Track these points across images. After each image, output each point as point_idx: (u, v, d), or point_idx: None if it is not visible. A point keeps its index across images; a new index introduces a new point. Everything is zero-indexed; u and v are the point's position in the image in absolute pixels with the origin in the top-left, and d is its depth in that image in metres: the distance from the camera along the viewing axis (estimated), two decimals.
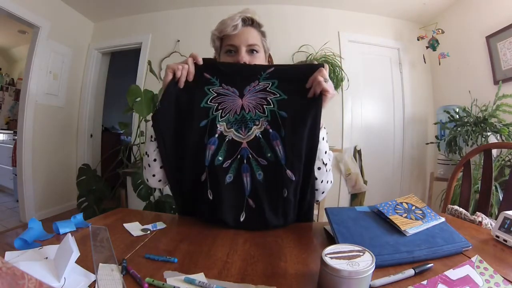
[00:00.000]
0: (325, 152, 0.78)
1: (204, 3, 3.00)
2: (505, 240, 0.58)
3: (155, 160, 0.78)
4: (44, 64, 2.77)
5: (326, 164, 0.78)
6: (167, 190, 2.19)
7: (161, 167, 0.79)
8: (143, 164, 0.83)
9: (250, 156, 0.74)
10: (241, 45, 0.83)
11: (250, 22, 0.86)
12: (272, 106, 0.75)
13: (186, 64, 0.77)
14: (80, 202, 2.12)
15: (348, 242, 0.49)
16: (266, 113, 0.75)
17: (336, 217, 0.63)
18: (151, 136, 0.79)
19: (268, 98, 0.75)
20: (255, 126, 0.75)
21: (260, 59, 0.85)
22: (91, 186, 2.17)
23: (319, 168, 0.77)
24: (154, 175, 0.80)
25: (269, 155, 0.73)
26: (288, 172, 0.71)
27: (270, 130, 0.74)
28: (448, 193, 1.14)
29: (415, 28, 2.96)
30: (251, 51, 0.84)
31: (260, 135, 0.74)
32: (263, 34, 0.89)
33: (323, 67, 0.73)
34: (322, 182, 0.80)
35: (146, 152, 0.80)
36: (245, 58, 0.82)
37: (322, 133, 0.78)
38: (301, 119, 0.73)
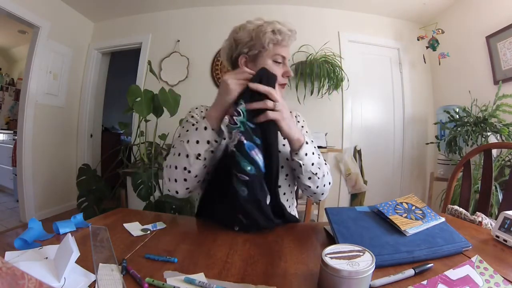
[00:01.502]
0: (312, 164, 0.76)
1: (204, 3, 3.00)
2: (505, 240, 0.58)
3: (196, 176, 0.74)
4: (44, 64, 2.77)
5: (316, 173, 0.77)
6: (167, 190, 2.19)
7: (198, 181, 0.76)
8: (171, 176, 0.76)
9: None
10: (287, 57, 0.85)
11: (294, 35, 0.86)
12: (242, 116, 0.67)
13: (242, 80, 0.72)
14: (80, 202, 2.12)
15: (348, 242, 0.49)
16: (238, 124, 0.67)
17: (336, 217, 0.63)
18: (198, 155, 0.71)
19: (238, 108, 0.68)
20: (229, 140, 0.70)
21: None
22: (91, 186, 2.17)
23: (309, 178, 0.77)
24: (187, 188, 0.76)
25: (248, 168, 0.65)
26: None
27: (244, 142, 0.65)
28: (448, 193, 1.14)
29: (415, 28, 2.96)
30: None
31: (235, 149, 0.66)
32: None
33: (275, 79, 0.73)
34: (318, 187, 0.79)
35: (184, 168, 0.72)
36: (291, 71, 0.85)
37: (308, 148, 0.76)
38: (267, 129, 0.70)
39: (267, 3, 2.96)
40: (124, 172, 2.26)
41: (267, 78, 0.71)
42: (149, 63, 2.33)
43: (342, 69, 2.71)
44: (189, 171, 0.73)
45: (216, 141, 0.73)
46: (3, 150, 3.68)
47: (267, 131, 0.69)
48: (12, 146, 3.40)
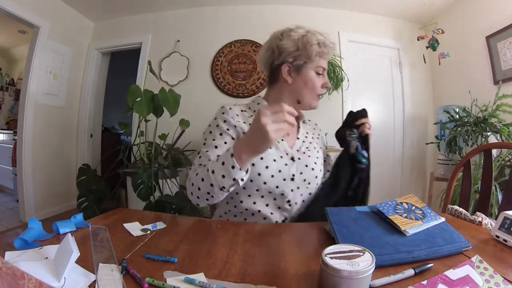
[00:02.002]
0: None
1: (204, 3, 3.00)
2: (505, 240, 0.58)
3: (229, 191, 0.72)
4: (44, 64, 2.77)
5: None
6: (167, 190, 2.19)
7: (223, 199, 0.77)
8: (193, 192, 0.74)
9: None
10: (326, 69, 0.89)
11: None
12: (355, 133, 0.96)
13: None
14: (80, 202, 2.12)
15: (348, 242, 0.49)
16: (355, 136, 0.96)
17: (336, 217, 0.63)
18: (222, 187, 0.69)
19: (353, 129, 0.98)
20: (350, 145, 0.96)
21: None
22: (91, 186, 2.17)
23: None
24: (210, 204, 0.79)
25: (363, 160, 0.92)
26: None
27: (359, 146, 0.94)
28: (448, 193, 1.14)
29: (415, 28, 2.96)
30: None
31: (355, 150, 0.94)
32: None
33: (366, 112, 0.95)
34: None
35: (208, 193, 0.71)
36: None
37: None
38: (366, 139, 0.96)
39: (267, 3, 2.96)
40: (124, 172, 2.26)
41: (361, 113, 0.95)
42: (149, 63, 2.33)
43: (342, 69, 2.71)
44: (212, 196, 0.72)
45: (242, 179, 0.69)
46: (3, 150, 3.68)
47: (365, 141, 0.93)
48: (12, 146, 3.40)
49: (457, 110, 2.25)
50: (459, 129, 2.07)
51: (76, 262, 0.44)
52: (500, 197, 1.67)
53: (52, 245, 0.53)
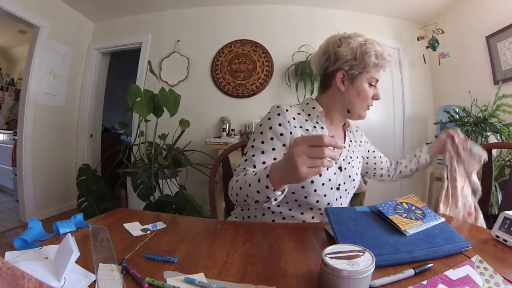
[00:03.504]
0: None
1: (204, 3, 3.00)
2: (505, 240, 0.58)
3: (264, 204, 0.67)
4: (44, 64, 2.77)
5: None
6: (167, 190, 2.19)
7: None
8: (233, 194, 0.72)
9: None
10: (378, 81, 0.86)
11: None
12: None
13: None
14: (80, 202, 2.12)
15: (348, 242, 0.49)
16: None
17: (336, 217, 0.63)
18: (257, 201, 0.65)
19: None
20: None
21: None
22: (91, 186, 2.17)
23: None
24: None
25: None
26: None
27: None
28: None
29: (415, 28, 2.96)
30: None
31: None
32: None
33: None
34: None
35: (245, 200, 0.68)
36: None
37: None
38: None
39: (267, 4, 2.96)
40: (124, 172, 2.26)
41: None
42: (149, 63, 2.34)
43: None
44: (248, 205, 0.71)
45: (276, 199, 0.64)
46: (3, 150, 3.68)
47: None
48: (12, 146, 3.40)
49: (457, 110, 2.25)
50: (459, 129, 2.07)
51: (76, 262, 0.44)
52: (500, 197, 1.67)
53: (52, 245, 0.53)
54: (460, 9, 2.64)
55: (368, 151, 1.06)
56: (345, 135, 0.93)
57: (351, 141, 0.95)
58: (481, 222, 0.84)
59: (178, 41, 3.05)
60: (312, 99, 0.91)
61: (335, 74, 0.84)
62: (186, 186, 2.34)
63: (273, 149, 0.77)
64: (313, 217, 0.83)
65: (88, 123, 3.34)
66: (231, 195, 0.74)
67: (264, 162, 0.75)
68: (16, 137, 3.02)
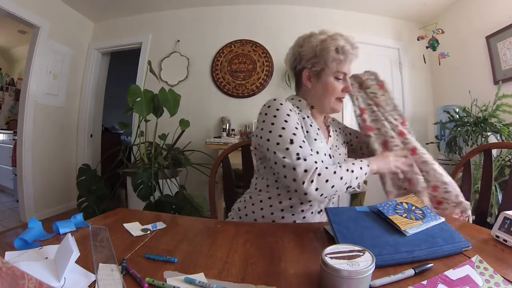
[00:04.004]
0: None
1: (204, 3, 3.00)
2: (505, 240, 0.58)
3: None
4: (44, 64, 2.77)
5: None
6: (167, 190, 2.19)
7: None
8: (331, 188, 0.73)
9: None
10: (348, 74, 0.89)
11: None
12: None
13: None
14: (80, 202, 2.12)
15: (348, 242, 0.49)
16: None
17: (336, 217, 0.63)
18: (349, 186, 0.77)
19: None
20: None
21: None
22: (91, 186, 2.17)
23: None
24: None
25: None
26: None
27: None
28: None
29: (415, 28, 2.96)
30: None
31: None
32: None
33: None
34: None
35: (348, 187, 0.76)
36: (350, 86, 0.90)
37: None
38: None
39: (267, 3, 2.96)
40: (124, 172, 2.26)
41: None
42: (149, 63, 2.33)
43: None
44: (338, 191, 0.75)
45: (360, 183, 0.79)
46: (3, 150, 3.68)
47: None
48: (12, 146, 3.40)
49: (457, 110, 2.25)
50: (459, 129, 2.07)
51: (76, 262, 0.44)
52: (500, 197, 1.67)
53: (52, 245, 0.53)
54: (460, 9, 2.64)
55: (346, 134, 1.09)
56: (328, 127, 0.98)
57: (334, 130, 1.01)
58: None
59: (178, 41, 3.05)
60: (296, 95, 0.96)
61: (302, 73, 0.90)
62: (186, 186, 2.34)
63: (305, 135, 0.81)
64: (311, 205, 0.84)
65: (88, 123, 3.34)
66: (318, 188, 0.71)
67: (311, 149, 0.78)
68: (16, 137, 3.02)
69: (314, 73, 0.88)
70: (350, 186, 0.76)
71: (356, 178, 0.76)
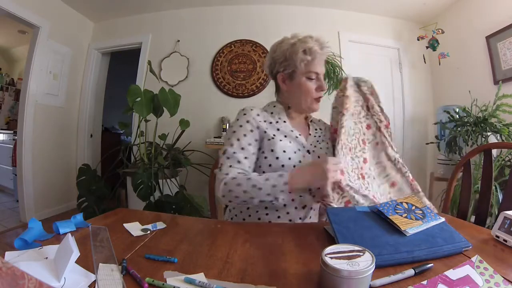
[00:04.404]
0: None
1: (204, 3, 3.00)
2: (505, 240, 0.58)
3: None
4: (44, 64, 2.77)
5: None
6: (167, 190, 2.19)
7: None
8: (227, 196, 0.81)
9: None
10: (321, 74, 0.92)
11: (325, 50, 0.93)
12: None
13: None
14: (80, 202, 2.12)
15: (348, 242, 0.49)
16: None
17: (336, 217, 0.63)
18: (261, 201, 0.80)
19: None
20: None
21: None
22: (91, 186, 2.17)
23: None
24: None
25: None
26: None
27: None
28: (448, 193, 1.14)
29: (415, 28, 2.96)
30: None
31: None
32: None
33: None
34: None
35: (244, 201, 0.79)
36: (325, 85, 0.93)
37: None
38: None
39: (267, 3, 2.96)
40: (124, 172, 2.26)
41: None
42: (149, 63, 2.33)
43: (342, 69, 2.70)
44: (246, 203, 0.80)
45: (283, 199, 0.78)
46: (3, 150, 3.67)
47: None
48: (12, 146, 3.40)
49: (457, 110, 2.24)
50: (459, 129, 2.07)
51: (76, 262, 0.44)
52: (500, 197, 1.67)
53: (52, 245, 0.53)
54: (460, 9, 2.64)
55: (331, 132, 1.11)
56: (309, 127, 1.02)
57: (316, 129, 1.04)
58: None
59: (178, 41, 3.05)
60: (273, 101, 1.04)
61: (277, 77, 0.96)
62: (186, 186, 2.34)
63: (249, 144, 0.87)
64: (296, 207, 0.86)
65: (88, 123, 3.34)
66: (224, 195, 0.80)
67: (246, 158, 0.85)
68: (16, 137, 3.02)
69: (287, 76, 0.94)
70: (263, 201, 0.78)
71: (268, 194, 0.77)
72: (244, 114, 0.92)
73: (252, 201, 0.78)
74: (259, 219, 0.86)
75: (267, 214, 0.86)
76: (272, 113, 0.97)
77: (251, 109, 0.93)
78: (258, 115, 0.92)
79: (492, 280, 0.43)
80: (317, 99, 0.94)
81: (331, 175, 0.73)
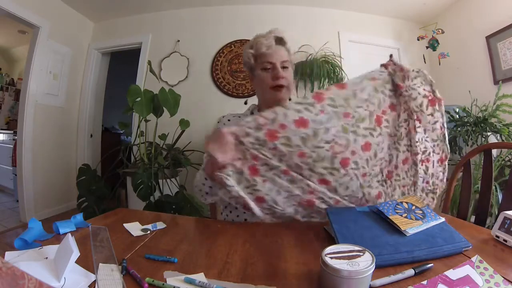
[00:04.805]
0: None
1: (204, 3, 3.00)
2: (505, 240, 0.58)
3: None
4: (44, 64, 2.77)
5: None
6: (167, 190, 2.19)
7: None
8: (199, 191, 0.86)
9: None
10: (277, 62, 0.93)
11: (280, 41, 0.96)
12: None
13: None
14: (80, 202, 2.12)
15: (348, 242, 0.49)
16: None
17: (336, 217, 0.63)
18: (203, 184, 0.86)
19: None
20: None
21: (290, 73, 0.97)
22: (91, 186, 2.17)
23: None
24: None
25: None
26: None
27: None
28: (448, 193, 1.14)
29: (415, 28, 2.96)
30: (284, 67, 0.94)
31: None
32: (289, 51, 0.98)
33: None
34: None
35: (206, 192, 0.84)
36: (281, 73, 0.92)
37: None
38: None
39: (267, 3, 2.96)
40: (124, 172, 2.26)
41: None
42: (149, 63, 2.33)
43: (342, 69, 2.70)
44: (203, 196, 0.86)
45: (211, 187, 0.81)
46: (3, 150, 3.67)
47: None
48: (12, 146, 3.40)
49: (457, 110, 2.24)
50: (459, 129, 2.07)
51: (76, 262, 0.44)
52: (500, 197, 1.67)
53: (52, 245, 0.53)
54: (460, 9, 2.64)
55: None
56: None
57: None
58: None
59: (178, 41, 3.05)
60: (254, 104, 1.09)
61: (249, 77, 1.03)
62: (186, 186, 2.34)
63: None
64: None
65: (88, 123, 3.34)
66: (197, 194, 0.88)
67: None
68: (16, 137, 3.01)
69: (251, 73, 1.01)
70: (201, 190, 0.84)
71: (203, 184, 0.83)
72: (218, 122, 1.02)
73: (201, 193, 0.84)
74: (245, 220, 0.85)
75: (244, 212, 0.83)
76: (239, 117, 1.01)
77: (223, 116, 1.03)
78: (229, 120, 1.00)
79: (492, 280, 0.43)
80: (275, 88, 0.92)
81: (208, 152, 0.76)
